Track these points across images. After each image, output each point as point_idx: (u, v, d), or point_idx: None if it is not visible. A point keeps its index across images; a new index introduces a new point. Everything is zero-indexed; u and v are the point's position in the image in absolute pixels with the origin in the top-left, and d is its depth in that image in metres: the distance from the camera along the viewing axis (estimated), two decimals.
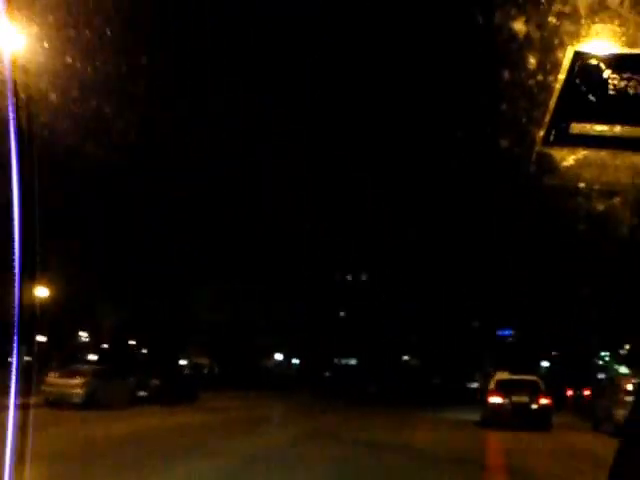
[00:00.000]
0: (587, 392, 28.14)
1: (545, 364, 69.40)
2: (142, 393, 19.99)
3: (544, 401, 16.18)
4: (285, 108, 69.82)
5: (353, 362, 70.42)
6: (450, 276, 63.08)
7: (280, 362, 64.08)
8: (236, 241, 53.32)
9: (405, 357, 72.91)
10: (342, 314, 70.37)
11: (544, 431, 15.14)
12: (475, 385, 66.22)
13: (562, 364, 65.40)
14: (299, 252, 58.46)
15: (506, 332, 70.31)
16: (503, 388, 16.82)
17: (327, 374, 64.66)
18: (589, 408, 25.76)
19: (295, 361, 67.61)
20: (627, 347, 58.87)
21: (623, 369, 64.37)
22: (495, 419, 15.97)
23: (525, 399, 16.12)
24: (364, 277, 71.49)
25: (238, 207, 53.11)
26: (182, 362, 53.95)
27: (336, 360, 69.59)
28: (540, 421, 15.67)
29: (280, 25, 62.91)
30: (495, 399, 16.29)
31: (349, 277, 71.81)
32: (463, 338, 68.01)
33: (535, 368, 65.96)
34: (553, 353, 70.69)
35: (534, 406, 15.91)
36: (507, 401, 16.08)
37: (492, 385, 17.55)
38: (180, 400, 20.10)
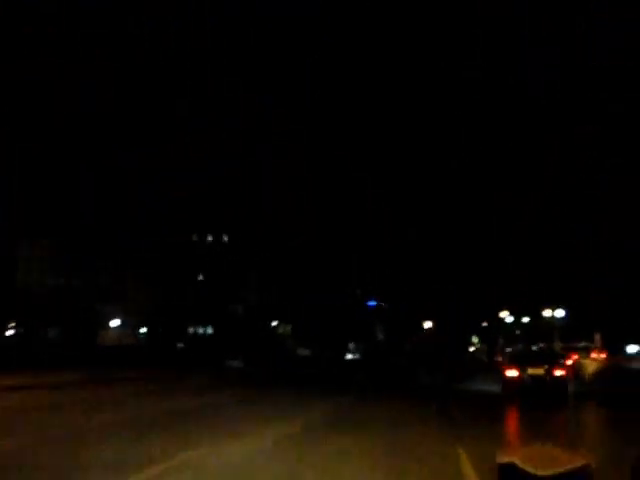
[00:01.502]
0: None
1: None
2: None
3: (559, 373, 16.01)
4: (285, 108, 70.06)
5: (209, 331, 60.85)
6: (319, 242, 59.42)
7: (123, 331, 52.54)
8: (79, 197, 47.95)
9: (274, 324, 62.89)
10: (201, 277, 61.86)
11: (561, 403, 14.99)
12: (354, 356, 62.29)
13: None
14: (154, 211, 52.05)
15: (372, 303, 68.89)
16: (518, 360, 16.73)
17: (180, 345, 53.54)
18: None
19: (143, 330, 56.39)
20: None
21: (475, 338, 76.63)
22: (511, 392, 15.85)
23: (541, 371, 15.92)
24: (226, 238, 63.55)
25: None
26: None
27: (191, 329, 59.64)
28: (556, 393, 15.55)
29: (280, 25, 63.18)
30: (511, 372, 16.12)
31: (209, 238, 63.75)
32: (335, 307, 61.59)
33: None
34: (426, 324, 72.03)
35: (550, 378, 15.71)
36: (523, 374, 15.91)
37: (507, 358, 17.58)
38: None
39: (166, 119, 54.83)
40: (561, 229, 49.46)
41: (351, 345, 65.43)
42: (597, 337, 36.82)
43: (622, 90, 40.73)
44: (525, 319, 68.89)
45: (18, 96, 40.89)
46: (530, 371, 16.01)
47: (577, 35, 44.17)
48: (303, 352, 55.08)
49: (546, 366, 16.01)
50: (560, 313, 51.88)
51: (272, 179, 58.78)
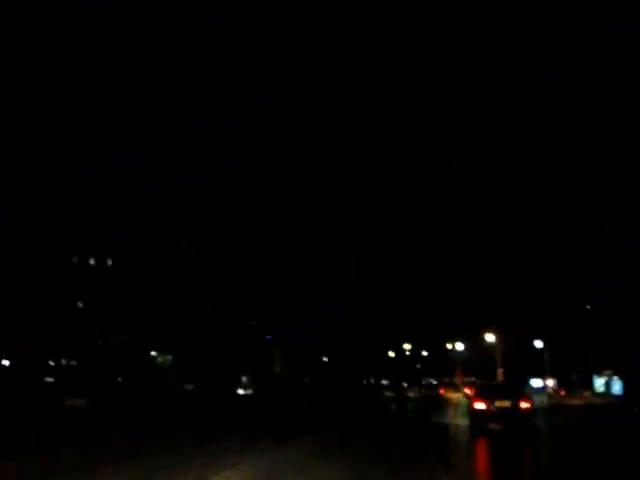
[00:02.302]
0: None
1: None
2: None
3: (525, 405, 16.73)
4: (285, 108, 70.12)
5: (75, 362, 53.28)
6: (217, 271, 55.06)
7: None
8: None
9: (153, 353, 55.57)
10: (80, 305, 55.21)
11: (527, 434, 15.71)
12: (247, 392, 53.37)
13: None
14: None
15: (269, 338, 67.27)
16: (486, 393, 17.39)
17: (49, 380, 45.87)
18: None
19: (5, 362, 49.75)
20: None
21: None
22: (479, 424, 16.52)
23: (507, 404, 16.50)
24: (110, 262, 57.02)
25: None
26: None
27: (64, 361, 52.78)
28: (523, 425, 16.27)
29: (280, 25, 63.22)
30: (479, 405, 16.76)
31: (92, 261, 57.18)
32: (226, 335, 55.45)
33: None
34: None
35: (516, 410, 16.39)
36: (490, 406, 16.53)
37: (475, 391, 18.59)
38: None
39: (166, 119, 54.91)
40: (561, 229, 49.44)
41: (244, 378, 58.18)
42: (499, 371, 36.88)
43: (622, 90, 40.74)
44: (424, 352, 68.56)
45: (18, 96, 40.96)
46: (497, 404, 16.64)
47: (577, 35, 44.20)
48: (187, 387, 49.35)
49: (513, 399, 16.68)
50: (460, 346, 51.29)
51: (272, 179, 58.90)
